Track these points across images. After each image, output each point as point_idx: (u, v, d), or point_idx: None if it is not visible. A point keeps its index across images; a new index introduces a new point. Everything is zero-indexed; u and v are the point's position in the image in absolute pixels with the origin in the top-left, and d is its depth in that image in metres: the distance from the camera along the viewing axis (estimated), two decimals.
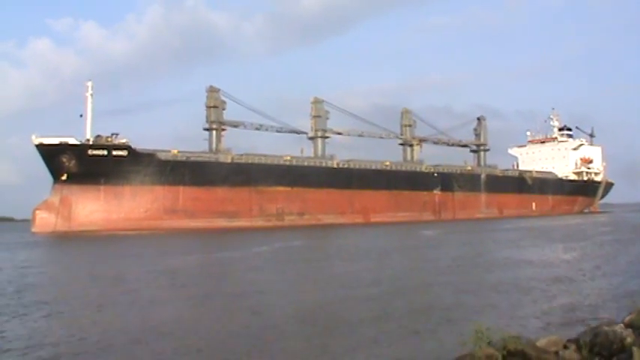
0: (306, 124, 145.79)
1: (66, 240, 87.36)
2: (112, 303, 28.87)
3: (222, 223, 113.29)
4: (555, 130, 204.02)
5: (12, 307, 27.49)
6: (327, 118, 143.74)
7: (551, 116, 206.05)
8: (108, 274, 41.41)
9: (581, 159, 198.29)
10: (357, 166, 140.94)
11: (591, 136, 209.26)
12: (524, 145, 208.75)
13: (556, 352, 14.63)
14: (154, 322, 23.82)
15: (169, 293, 32.15)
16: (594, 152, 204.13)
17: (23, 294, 31.81)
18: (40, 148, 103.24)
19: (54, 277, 41.97)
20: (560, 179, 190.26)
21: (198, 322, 23.99)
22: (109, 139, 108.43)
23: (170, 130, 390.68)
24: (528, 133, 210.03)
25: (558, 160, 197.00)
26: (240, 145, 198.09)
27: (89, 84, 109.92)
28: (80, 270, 44.51)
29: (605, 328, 15.32)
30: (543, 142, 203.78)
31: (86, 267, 47.13)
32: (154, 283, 36.79)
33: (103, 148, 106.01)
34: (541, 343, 14.88)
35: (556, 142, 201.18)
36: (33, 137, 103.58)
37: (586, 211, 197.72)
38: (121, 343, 20.14)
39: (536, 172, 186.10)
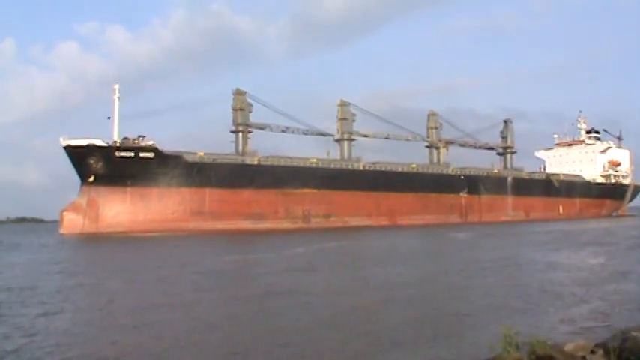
0: (332, 126, 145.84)
1: (96, 241, 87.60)
2: (179, 304, 28.95)
3: (248, 225, 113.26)
4: (583, 133, 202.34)
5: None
6: (354, 121, 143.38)
7: (579, 119, 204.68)
8: (157, 276, 41.50)
9: (609, 162, 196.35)
10: (384, 169, 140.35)
11: (619, 139, 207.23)
12: (551, 148, 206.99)
13: (583, 357, 14.61)
14: (218, 320, 24.33)
15: (224, 293, 32.47)
16: (622, 155, 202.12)
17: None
18: (68, 149, 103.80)
19: (105, 278, 41.25)
20: (588, 182, 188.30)
21: (255, 319, 24.09)
22: (136, 142, 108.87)
23: (195, 132, 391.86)
24: (555, 136, 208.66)
25: (586, 163, 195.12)
26: (266, 147, 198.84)
27: (116, 87, 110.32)
28: (128, 273, 44.12)
29: (634, 333, 15.20)
30: (570, 145, 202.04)
31: (132, 269, 46.93)
32: (205, 283, 37.03)
33: (130, 150, 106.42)
34: (568, 347, 14.85)
35: (583, 145, 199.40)
36: (61, 139, 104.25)
37: (614, 214, 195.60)
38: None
39: (564, 175, 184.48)
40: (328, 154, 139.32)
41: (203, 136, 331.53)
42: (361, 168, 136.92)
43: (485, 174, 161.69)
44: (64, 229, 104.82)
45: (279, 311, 26.06)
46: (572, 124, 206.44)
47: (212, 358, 18.31)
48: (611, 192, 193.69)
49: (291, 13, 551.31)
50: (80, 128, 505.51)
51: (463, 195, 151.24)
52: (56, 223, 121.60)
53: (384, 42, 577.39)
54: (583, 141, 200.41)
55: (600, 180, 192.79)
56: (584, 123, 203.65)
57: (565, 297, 28.54)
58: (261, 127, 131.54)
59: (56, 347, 19.39)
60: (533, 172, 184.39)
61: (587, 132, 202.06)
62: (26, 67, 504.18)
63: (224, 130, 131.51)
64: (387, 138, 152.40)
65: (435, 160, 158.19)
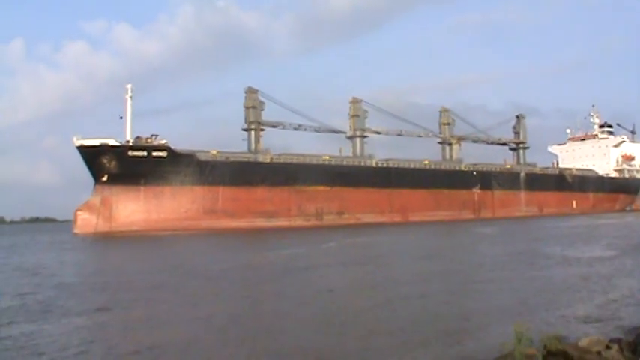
0: (343, 123, 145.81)
1: (112, 240, 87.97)
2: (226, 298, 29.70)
3: (261, 223, 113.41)
4: (596, 127, 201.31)
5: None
6: (366, 118, 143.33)
7: (592, 113, 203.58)
8: (195, 271, 42.28)
9: (623, 156, 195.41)
10: (396, 166, 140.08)
11: (632, 133, 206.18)
12: (564, 143, 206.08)
13: (598, 352, 14.50)
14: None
15: (268, 287, 33.44)
16: (636, 149, 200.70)
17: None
18: (81, 149, 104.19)
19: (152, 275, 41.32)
20: (601, 177, 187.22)
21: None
22: (149, 141, 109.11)
23: (206, 130, 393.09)
24: (568, 131, 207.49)
25: (599, 157, 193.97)
26: (278, 145, 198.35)
27: (129, 86, 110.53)
28: (164, 269, 44.36)
29: None
30: (583, 140, 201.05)
31: (163, 264, 47.41)
32: (243, 277, 38.18)
33: (142, 150, 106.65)
34: (583, 342, 14.85)
35: (596, 140, 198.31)
36: (74, 139, 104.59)
37: (627, 209, 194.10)
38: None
39: (577, 169, 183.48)
40: (341, 151, 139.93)
41: (215, 134, 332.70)
42: (374, 165, 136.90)
43: (497, 169, 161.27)
44: (78, 228, 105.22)
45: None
46: (585, 119, 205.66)
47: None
48: (624, 186, 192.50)
49: (298, 9, 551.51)
50: (91, 127, 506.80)
51: (476, 191, 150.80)
52: (69, 223, 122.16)
53: (391, 38, 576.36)
54: (596, 135, 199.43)
55: (614, 174, 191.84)
56: (597, 117, 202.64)
57: (582, 291, 28.47)
58: (274, 125, 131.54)
59: None
60: (546, 167, 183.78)
61: (600, 126, 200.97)
62: (35, 66, 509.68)
63: (236, 128, 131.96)
64: (399, 135, 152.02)
65: (448, 157, 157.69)
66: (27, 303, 28.59)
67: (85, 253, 71.41)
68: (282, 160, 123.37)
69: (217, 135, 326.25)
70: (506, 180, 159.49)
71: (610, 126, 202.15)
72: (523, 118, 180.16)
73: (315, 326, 22.26)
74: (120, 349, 19.23)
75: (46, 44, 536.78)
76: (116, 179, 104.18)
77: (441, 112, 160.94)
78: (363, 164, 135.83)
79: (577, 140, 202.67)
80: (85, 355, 18.40)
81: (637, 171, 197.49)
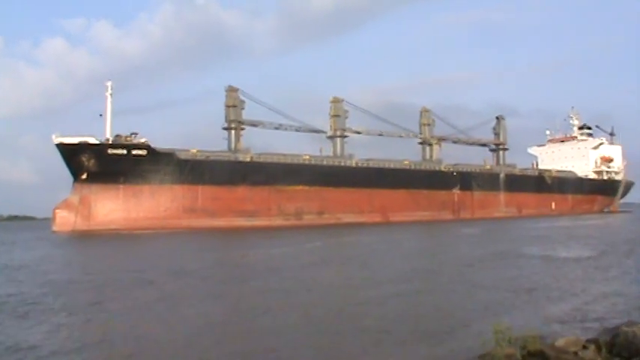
0: (324, 123, 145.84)
1: (90, 239, 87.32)
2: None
3: (241, 222, 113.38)
4: (575, 129, 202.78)
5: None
6: (346, 117, 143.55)
7: (571, 115, 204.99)
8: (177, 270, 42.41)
9: (601, 158, 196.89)
10: (376, 166, 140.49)
11: (611, 134, 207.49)
12: (544, 145, 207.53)
13: (575, 353, 14.73)
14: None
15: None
16: (614, 151, 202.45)
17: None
18: (61, 147, 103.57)
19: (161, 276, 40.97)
20: (580, 178, 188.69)
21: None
22: (129, 139, 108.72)
23: (186, 129, 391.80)
24: (548, 132, 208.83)
25: (578, 159, 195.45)
26: (258, 144, 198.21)
27: (109, 84, 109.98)
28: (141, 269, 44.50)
29: (625, 328, 15.42)
30: (563, 142, 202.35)
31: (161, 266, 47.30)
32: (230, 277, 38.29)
33: (122, 148, 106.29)
34: (560, 343, 15.06)
35: (576, 141, 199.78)
36: (53, 137, 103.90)
37: (605, 210, 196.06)
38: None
39: (556, 171, 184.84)
40: (321, 150, 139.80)
41: (195, 132, 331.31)
42: (354, 165, 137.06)
43: (477, 170, 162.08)
44: (57, 226, 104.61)
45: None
46: (565, 120, 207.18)
47: None
48: (603, 188, 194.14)
49: (279, 8, 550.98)
50: (70, 125, 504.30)
51: (456, 191, 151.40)
52: (48, 221, 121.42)
53: (373, 38, 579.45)
54: (575, 137, 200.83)
55: (592, 176, 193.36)
56: (576, 119, 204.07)
57: (557, 292, 28.97)
58: (254, 124, 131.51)
59: None
60: (526, 169, 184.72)
61: (580, 128, 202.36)
62: (14, 62, 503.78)
63: (216, 127, 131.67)
64: (379, 135, 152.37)
65: (428, 157, 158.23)
66: None
67: (63, 250, 71.18)
68: (262, 160, 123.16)
69: (197, 134, 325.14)
70: (486, 181, 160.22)
71: (589, 128, 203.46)
72: (503, 119, 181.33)
73: (295, 325, 22.61)
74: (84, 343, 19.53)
75: (25, 41, 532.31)
76: (95, 177, 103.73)
77: (421, 112, 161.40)
78: (343, 164, 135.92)
79: (556, 142, 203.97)
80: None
81: (615, 173, 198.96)
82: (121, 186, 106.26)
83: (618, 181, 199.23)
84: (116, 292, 32.00)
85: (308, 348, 19.00)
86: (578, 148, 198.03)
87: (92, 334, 21.69)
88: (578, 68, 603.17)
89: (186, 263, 47.36)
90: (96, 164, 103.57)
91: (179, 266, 44.56)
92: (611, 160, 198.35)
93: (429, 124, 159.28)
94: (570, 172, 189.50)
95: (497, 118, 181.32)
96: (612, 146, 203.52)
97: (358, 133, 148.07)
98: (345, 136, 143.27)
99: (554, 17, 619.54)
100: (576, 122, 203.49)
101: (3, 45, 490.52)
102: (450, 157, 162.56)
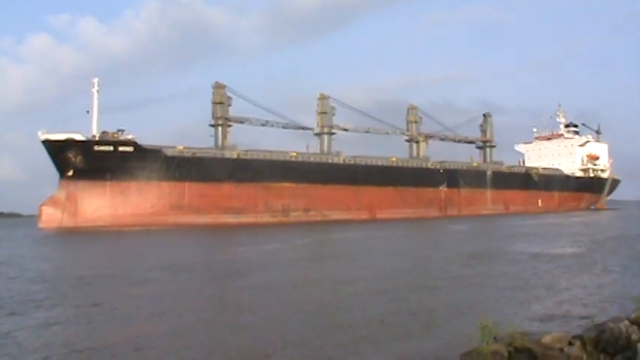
0: (311, 120, 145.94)
1: (77, 235, 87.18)
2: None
3: (227, 219, 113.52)
4: (561, 126, 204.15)
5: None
6: (333, 115, 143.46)
7: (558, 113, 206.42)
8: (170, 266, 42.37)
9: (588, 156, 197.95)
10: (363, 163, 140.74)
11: (598, 132, 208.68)
12: (531, 142, 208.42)
13: (561, 349, 14.51)
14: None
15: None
16: (601, 149, 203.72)
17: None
18: (47, 144, 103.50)
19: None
20: (567, 176, 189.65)
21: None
22: (115, 135, 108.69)
23: (172, 126, 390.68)
24: (534, 130, 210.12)
25: (564, 156, 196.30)
26: (244, 141, 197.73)
27: (95, 80, 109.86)
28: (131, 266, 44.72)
29: (611, 324, 15.31)
30: (549, 139, 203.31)
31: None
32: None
33: (109, 144, 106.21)
34: (546, 339, 14.76)
35: (562, 139, 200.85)
36: (39, 133, 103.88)
37: (592, 207, 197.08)
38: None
39: (543, 168, 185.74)
40: (308, 147, 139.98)
41: (181, 129, 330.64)
42: (341, 162, 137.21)
43: (464, 167, 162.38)
44: (43, 223, 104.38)
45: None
46: (551, 118, 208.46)
47: None
48: (589, 185, 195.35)
49: (264, 5, 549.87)
50: (56, 121, 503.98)
51: (442, 189, 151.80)
52: (34, 218, 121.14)
53: (360, 35, 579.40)
54: (562, 135, 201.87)
55: (579, 173, 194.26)
56: (563, 117, 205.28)
57: (545, 288, 29.29)
58: (241, 121, 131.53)
59: None
60: (513, 166, 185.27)
61: (566, 126, 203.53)
62: None
63: (203, 124, 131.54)
64: (366, 132, 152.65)
65: (415, 154, 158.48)
66: None
67: (48, 248, 70.99)
68: (249, 156, 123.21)
69: (184, 131, 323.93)
70: (473, 178, 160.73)
71: (576, 125, 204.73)
72: (490, 116, 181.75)
73: (283, 320, 22.74)
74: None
75: (9, 37, 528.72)
76: (82, 174, 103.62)
77: (408, 109, 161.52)
78: (330, 161, 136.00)
79: (543, 139, 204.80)
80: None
81: (602, 170, 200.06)
82: (108, 182, 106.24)
83: (605, 179, 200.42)
84: (108, 289, 32.08)
85: (296, 345, 18.98)
86: (565, 146, 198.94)
87: (83, 332, 21.72)
88: (564, 66, 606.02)
89: (178, 260, 47.45)
90: (82, 161, 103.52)
91: (170, 263, 44.67)
92: (597, 158, 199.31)
93: (416, 122, 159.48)
94: (557, 169, 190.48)
95: (484, 115, 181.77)
96: (599, 144, 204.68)
97: (345, 130, 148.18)
98: (332, 133, 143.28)
99: (542, 16, 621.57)
100: (563, 120, 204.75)
101: None
102: (437, 154, 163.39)
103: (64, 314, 25.16)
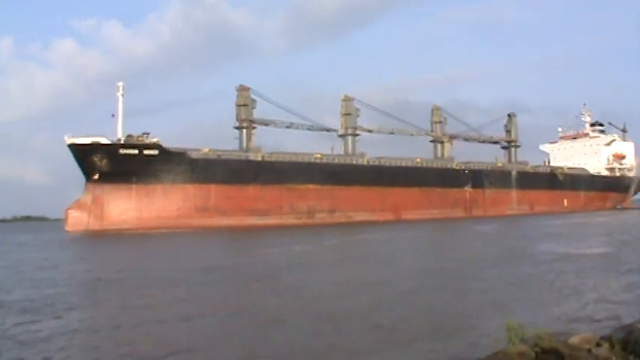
0: (335, 121, 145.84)
1: (104, 238, 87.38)
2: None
3: (252, 221, 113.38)
4: (587, 125, 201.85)
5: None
6: (357, 116, 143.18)
7: (583, 112, 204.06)
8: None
9: (614, 155, 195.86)
10: (388, 164, 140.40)
11: (624, 131, 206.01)
12: (556, 142, 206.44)
13: (589, 350, 14.38)
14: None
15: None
16: (627, 148, 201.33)
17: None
18: (73, 147, 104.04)
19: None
20: (592, 175, 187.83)
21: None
22: (140, 139, 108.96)
23: (197, 129, 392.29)
24: (559, 129, 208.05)
25: (590, 156, 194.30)
26: (269, 143, 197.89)
27: (120, 84, 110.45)
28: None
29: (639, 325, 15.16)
30: (575, 138, 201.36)
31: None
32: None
33: (134, 148, 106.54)
34: (574, 340, 14.68)
35: (588, 138, 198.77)
36: (65, 137, 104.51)
37: (618, 207, 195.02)
38: None
39: (568, 168, 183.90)
40: (332, 149, 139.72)
41: (206, 132, 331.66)
42: (365, 163, 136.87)
43: (489, 168, 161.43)
44: (70, 226, 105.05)
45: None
46: (577, 117, 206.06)
47: None
48: (615, 185, 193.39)
49: (287, 6, 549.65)
50: (82, 125, 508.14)
51: (468, 189, 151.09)
52: (60, 222, 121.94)
53: (382, 35, 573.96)
54: (587, 134, 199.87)
55: (605, 173, 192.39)
56: (588, 116, 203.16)
57: (571, 289, 28.63)
58: (265, 123, 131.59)
59: None
60: (538, 166, 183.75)
61: (592, 125, 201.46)
62: (25, 64, 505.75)
63: (227, 127, 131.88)
64: (391, 133, 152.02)
65: (440, 155, 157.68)
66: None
67: (82, 251, 71.35)
68: (273, 159, 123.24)
69: (209, 133, 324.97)
70: (498, 178, 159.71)
71: (601, 124, 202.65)
72: (515, 116, 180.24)
73: (311, 321, 22.48)
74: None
75: (36, 43, 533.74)
76: (107, 177, 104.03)
77: (432, 110, 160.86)
78: (354, 162, 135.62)
79: (568, 139, 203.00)
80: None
81: (628, 169, 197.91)
82: (134, 186, 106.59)
83: (631, 178, 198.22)
84: (143, 291, 32.00)
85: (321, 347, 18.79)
86: (590, 145, 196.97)
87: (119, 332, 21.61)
88: (589, 64, 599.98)
89: (209, 261, 47.24)
90: (108, 164, 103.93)
91: (203, 265, 44.35)
92: (623, 157, 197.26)
93: (440, 122, 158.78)
94: (582, 169, 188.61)
95: (508, 115, 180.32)
96: (625, 143, 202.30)
97: (369, 131, 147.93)
98: (357, 135, 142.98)
99: (565, 13, 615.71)
100: (588, 119, 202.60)
101: (14, 47, 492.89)
102: (461, 154, 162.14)
103: (107, 314, 24.90)
